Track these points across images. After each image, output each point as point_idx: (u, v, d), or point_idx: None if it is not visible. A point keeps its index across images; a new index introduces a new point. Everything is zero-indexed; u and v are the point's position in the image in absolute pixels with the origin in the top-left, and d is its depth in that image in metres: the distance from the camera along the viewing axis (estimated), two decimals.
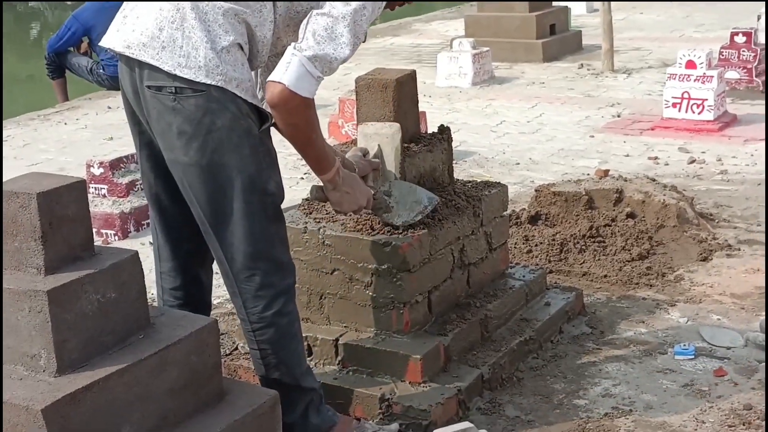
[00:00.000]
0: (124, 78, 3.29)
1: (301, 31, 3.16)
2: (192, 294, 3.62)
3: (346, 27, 3.15)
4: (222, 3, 3.09)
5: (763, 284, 4.93)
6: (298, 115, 3.21)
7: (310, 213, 4.15)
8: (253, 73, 3.39)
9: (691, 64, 8.21)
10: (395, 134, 3.92)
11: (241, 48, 3.17)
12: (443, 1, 18.64)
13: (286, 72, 3.09)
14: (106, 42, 3.26)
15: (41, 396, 2.63)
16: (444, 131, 4.31)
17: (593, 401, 3.89)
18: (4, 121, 10.37)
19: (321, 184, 3.56)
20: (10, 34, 25.87)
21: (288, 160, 7.15)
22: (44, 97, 11.60)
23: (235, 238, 3.25)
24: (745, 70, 9.48)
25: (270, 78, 3.15)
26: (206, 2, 3.09)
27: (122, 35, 3.18)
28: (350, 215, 3.96)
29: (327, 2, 3.17)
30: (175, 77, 3.08)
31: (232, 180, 3.19)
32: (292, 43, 3.15)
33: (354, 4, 3.16)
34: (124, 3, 3.29)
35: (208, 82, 3.07)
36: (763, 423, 3.62)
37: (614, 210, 5.68)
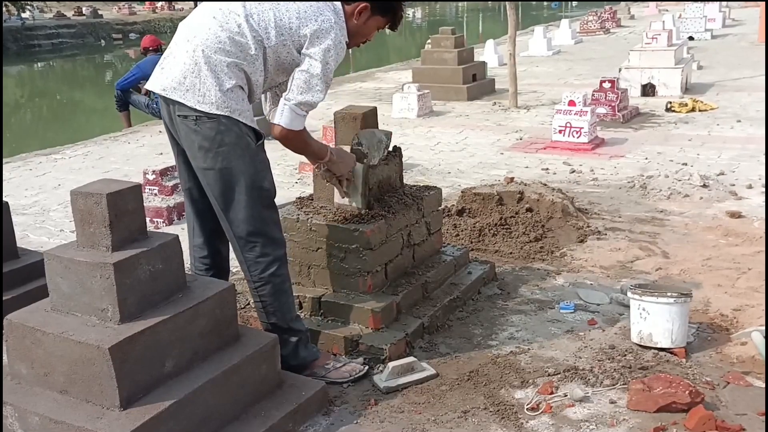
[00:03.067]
0: (162, 110, 3.37)
1: (289, 83, 3.31)
2: (215, 261, 3.66)
3: (319, 79, 3.29)
4: (226, 58, 3.17)
5: (623, 259, 4.99)
6: (296, 140, 3.41)
7: (302, 208, 4.14)
8: (262, 97, 3.56)
9: (572, 103, 8.23)
10: None
11: (242, 88, 3.25)
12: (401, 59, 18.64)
13: (282, 117, 3.29)
14: (149, 85, 3.34)
15: (108, 338, 2.65)
16: (397, 150, 4.30)
17: (502, 342, 3.90)
18: (86, 140, 10.34)
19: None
20: (91, 78, 25.77)
21: (287, 169, 7.13)
22: (114, 124, 11.61)
23: (240, 220, 3.30)
24: (610, 107, 9.52)
25: (272, 121, 3.37)
26: (215, 57, 3.17)
27: (159, 81, 3.27)
28: (332, 210, 3.99)
29: (306, 59, 3.28)
30: (195, 110, 3.17)
31: (237, 179, 3.26)
32: (283, 94, 3.32)
33: (320, 63, 3.28)
34: (162, 57, 3.38)
35: (218, 112, 3.17)
36: (623, 357, 3.65)
37: (517, 206, 5.66)
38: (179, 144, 3.39)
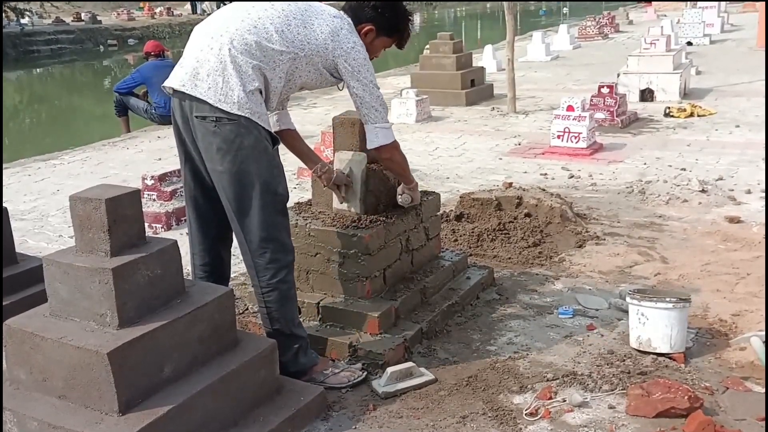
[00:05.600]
0: (175, 109, 3.34)
1: (361, 109, 3.47)
2: (216, 268, 3.65)
3: (376, 90, 3.45)
4: (251, 60, 3.17)
5: (622, 264, 4.99)
6: (398, 150, 3.74)
7: (300, 213, 4.15)
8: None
9: (570, 108, 8.23)
10: (362, 160, 3.94)
11: (261, 92, 3.25)
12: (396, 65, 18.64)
13: (378, 138, 3.54)
14: (167, 83, 3.30)
15: (107, 343, 2.65)
16: None
17: (500, 347, 3.90)
18: (85, 146, 10.34)
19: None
20: (89, 84, 25.76)
21: (285, 174, 7.09)
22: (113, 129, 11.65)
23: (253, 225, 3.29)
24: (608, 112, 9.53)
25: (373, 147, 3.58)
26: (241, 58, 3.17)
27: (179, 78, 3.24)
28: (330, 215, 4.00)
29: (355, 83, 3.41)
30: (216, 109, 3.15)
31: (253, 183, 3.24)
32: (368, 122, 3.50)
33: (368, 82, 3.43)
34: (182, 57, 3.35)
35: (240, 113, 3.15)
36: (621, 362, 3.65)
37: (516, 211, 5.67)
38: (187, 148, 3.38)
